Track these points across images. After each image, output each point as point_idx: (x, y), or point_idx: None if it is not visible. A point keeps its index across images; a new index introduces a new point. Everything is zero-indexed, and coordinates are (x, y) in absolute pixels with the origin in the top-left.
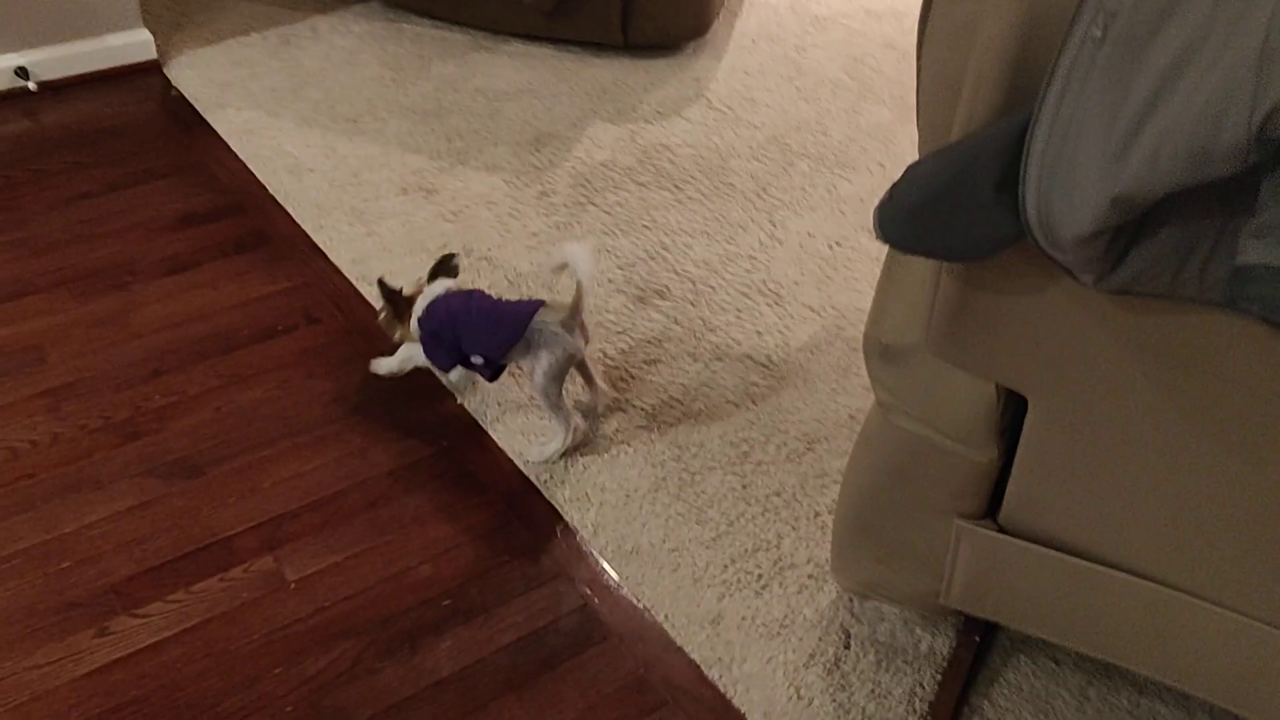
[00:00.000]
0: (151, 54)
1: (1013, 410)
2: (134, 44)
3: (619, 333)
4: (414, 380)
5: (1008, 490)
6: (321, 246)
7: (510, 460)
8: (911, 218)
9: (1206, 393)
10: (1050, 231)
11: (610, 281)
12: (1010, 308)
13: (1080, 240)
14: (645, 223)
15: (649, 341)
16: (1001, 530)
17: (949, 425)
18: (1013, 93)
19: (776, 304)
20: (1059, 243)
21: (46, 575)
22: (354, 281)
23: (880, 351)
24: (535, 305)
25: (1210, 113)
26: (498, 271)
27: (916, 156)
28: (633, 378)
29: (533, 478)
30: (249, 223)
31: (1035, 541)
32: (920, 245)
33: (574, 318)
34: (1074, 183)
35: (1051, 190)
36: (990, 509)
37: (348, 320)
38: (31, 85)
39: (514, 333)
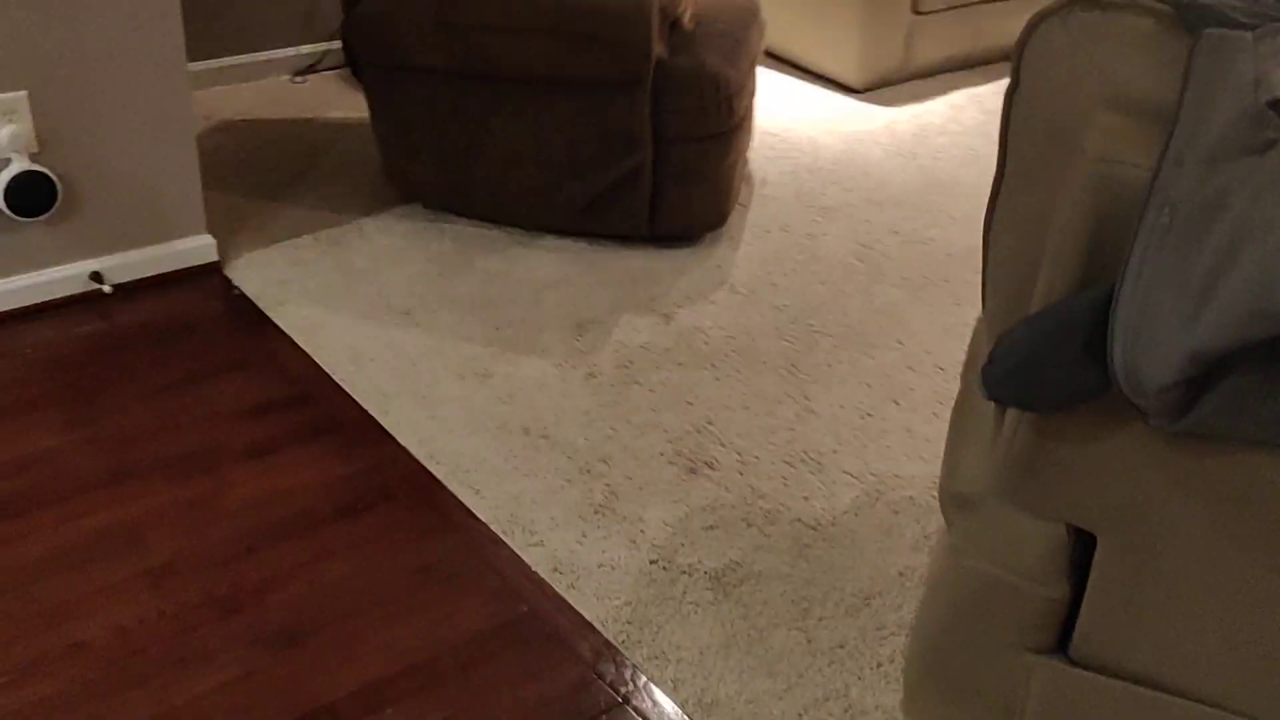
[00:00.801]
0: (213, 256)
1: (1082, 545)
2: (198, 248)
3: (674, 502)
4: (488, 550)
5: (1078, 624)
6: (389, 429)
7: (589, 620)
8: (1012, 377)
9: (1266, 530)
10: (1135, 382)
11: (661, 455)
12: (1080, 454)
13: (1162, 389)
14: (688, 399)
15: (704, 509)
16: (1072, 663)
17: (1020, 564)
18: (1088, 270)
19: (818, 471)
20: (1143, 391)
21: None
22: (423, 461)
23: (955, 501)
24: None
25: (1262, 283)
26: (555, 448)
27: (931, 333)
28: (694, 544)
29: (610, 638)
30: (320, 409)
31: (1107, 673)
32: (1020, 400)
33: None
34: (1156, 342)
35: (1136, 347)
36: (1061, 643)
37: (421, 496)
38: (106, 288)
39: None
